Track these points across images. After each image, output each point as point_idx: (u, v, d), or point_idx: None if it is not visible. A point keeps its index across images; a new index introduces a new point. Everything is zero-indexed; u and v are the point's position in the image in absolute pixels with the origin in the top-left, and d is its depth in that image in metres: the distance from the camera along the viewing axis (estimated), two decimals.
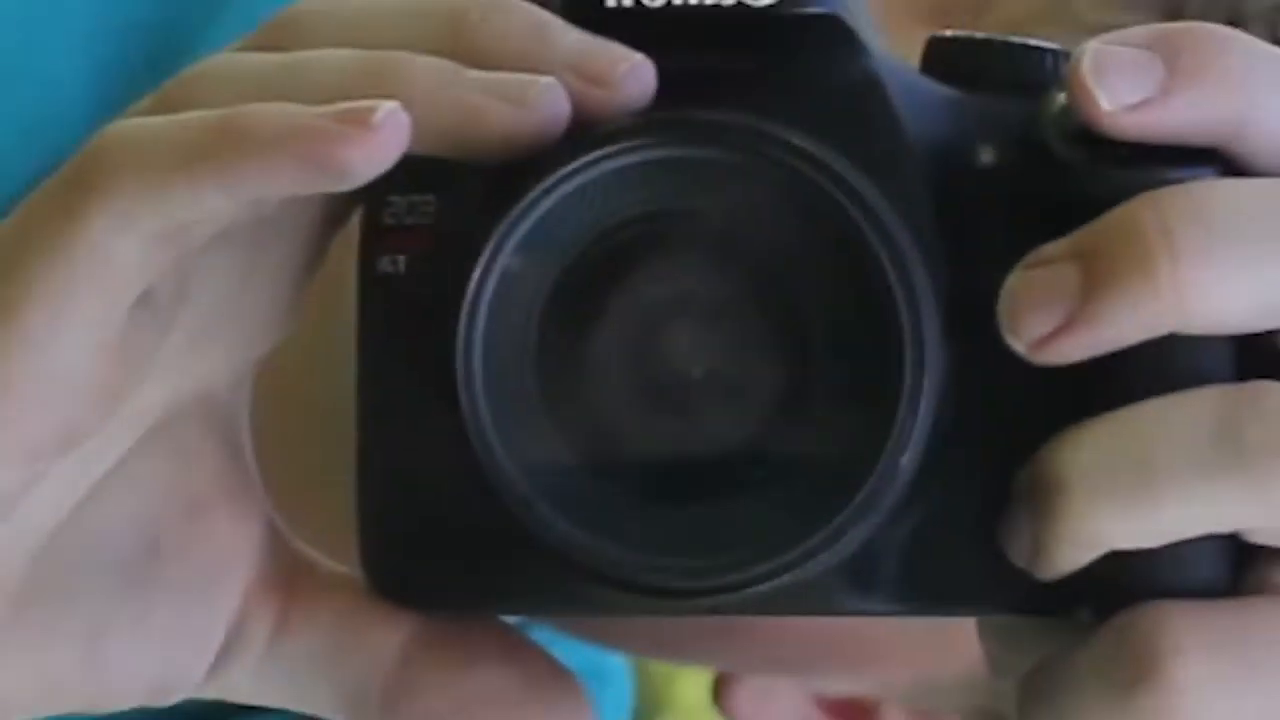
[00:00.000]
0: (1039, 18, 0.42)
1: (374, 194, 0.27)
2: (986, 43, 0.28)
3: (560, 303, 0.26)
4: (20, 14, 0.50)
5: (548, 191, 0.25)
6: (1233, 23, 0.34)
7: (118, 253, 0.25)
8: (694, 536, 0.26)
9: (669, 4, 0.26)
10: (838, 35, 0.26)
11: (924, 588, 0.27)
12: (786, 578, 0.25)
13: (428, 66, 0.25)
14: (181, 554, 0.29)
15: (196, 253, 0.26)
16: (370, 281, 0.28)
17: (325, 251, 0.29)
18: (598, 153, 0.25)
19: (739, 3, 0.26)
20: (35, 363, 0.26)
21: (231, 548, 0.29)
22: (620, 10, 0.26)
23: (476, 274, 0.25)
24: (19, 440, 0.26)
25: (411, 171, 0.25)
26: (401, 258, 0.27)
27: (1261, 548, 0.25)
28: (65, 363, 0.26)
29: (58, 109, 0.50)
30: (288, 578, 0.30)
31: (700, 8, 0.26)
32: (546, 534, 0.25)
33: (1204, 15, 0.37)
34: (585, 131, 0.25)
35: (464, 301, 0.25)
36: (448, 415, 0.25)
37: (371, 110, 0.23)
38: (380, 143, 0.23)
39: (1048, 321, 0.24)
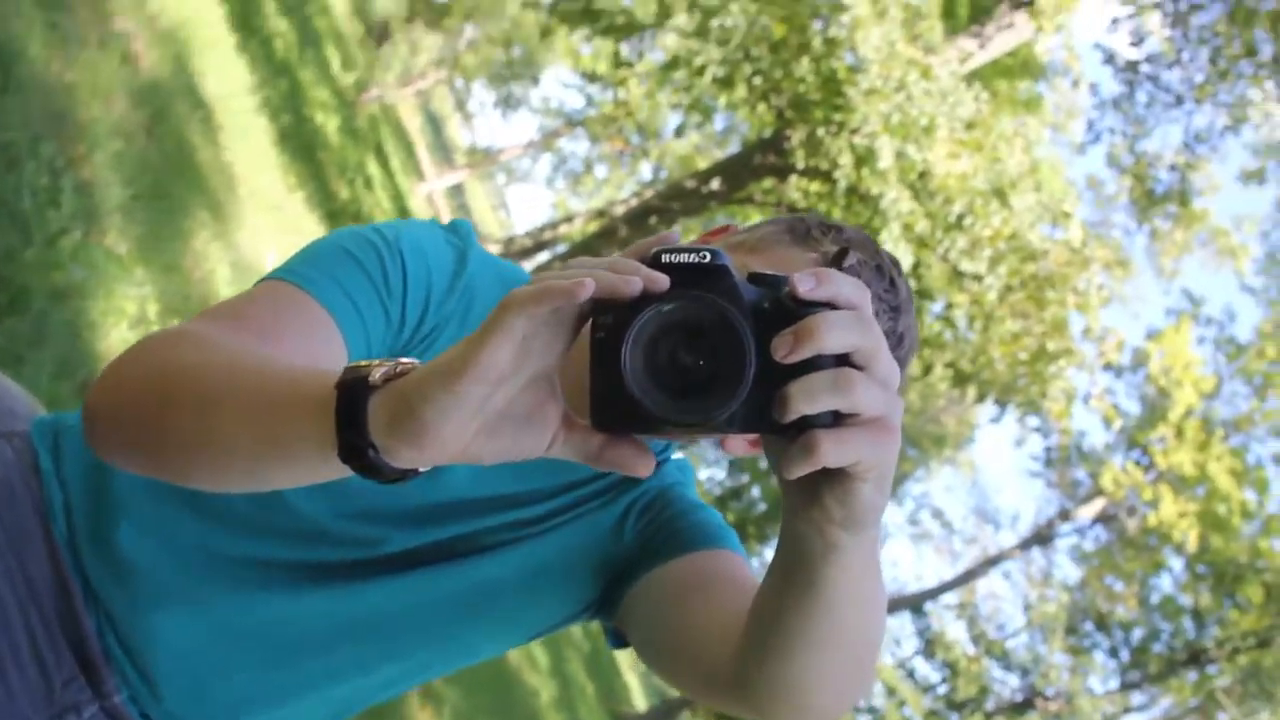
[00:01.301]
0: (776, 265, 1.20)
1: (595, 314, 0.81)
2: (763, 274, 0.82)
3: (646, 336, 0.79)
4: None
5: (645, 313, 0.79)
6: (844, 253, 1.24)
7: (525, 317, 0.78)
8: (693, 410, 0.79)
9: (676, 263, 0.80)
10: (723, 268, 0.80)
11: (752, 424, 0.79)
12: (721, 422, 0.79)
13: (609, 265, 0.81)
14: (536, 414, 0.84)
15: (544, 321, 0.80)
16: (595, 335, 0.80)
17: (578, 331, 0.83)
18: (657, 304, 0.79)
19: (698, 262, 0.80)
20: (488, 353, 0.78)
21: (552, 414, 0.85)
22: (663, 263, 0.80)
23: (627, 339, 0.79)
24: (480, 376, 0.79)
25: (603, 306, 0.80)
26: (601, 331, 0.80)
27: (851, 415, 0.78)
28: (500, 355, 0.79)
29: None
30: (567, 423, 0.85)
31: (686, 264, 0.80)
32: (645, 398, 0.79)
33: (829, 262, 1.23)
34: (651, 296, 0.79)
35: (625, 337, 0.79)
36: (618, 376, 0.79)
37: (629, 275, 0.79)
38: (622, 286, 0.78)
39: (791, 350, 0.77)
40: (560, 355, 0.84)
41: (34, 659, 1.27)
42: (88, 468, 1.33)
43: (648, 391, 0.78)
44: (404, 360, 0.88)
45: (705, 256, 0.79)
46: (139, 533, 1.29)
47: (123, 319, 4.59)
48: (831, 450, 0.76)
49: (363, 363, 0.88)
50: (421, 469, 0.87)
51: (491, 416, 0.82)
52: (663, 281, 0.78)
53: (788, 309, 0.78)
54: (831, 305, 0.78)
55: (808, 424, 0.77)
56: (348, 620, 1.31)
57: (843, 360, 0.77)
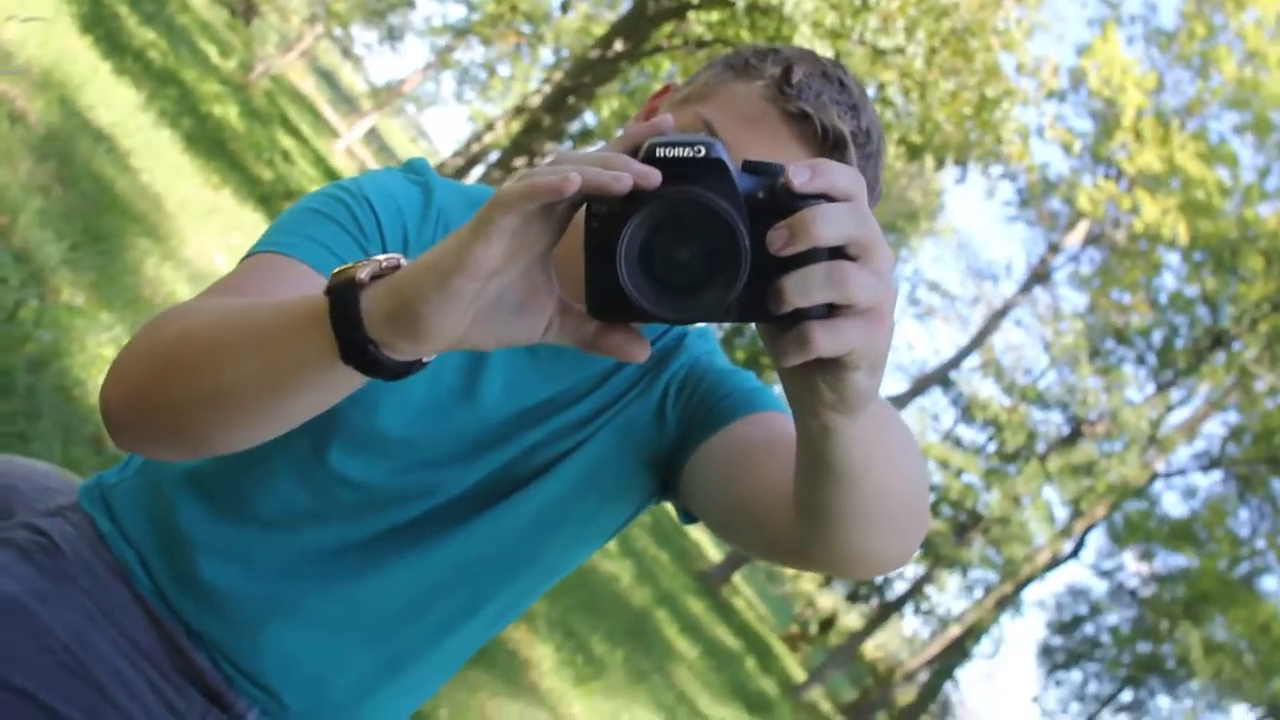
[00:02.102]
0: (727, 104, 1.24)
1: (589, 200, 0.81)
2: (760, 162, 0.81)
3: (643, 232, 0.79)
4: None
5: (639, 209, 0.79)
6: (790, 70, 1.23)
7: (513, 214, 0.80)
8: (688, 305, 0.80)
9: (670, 157, 0.80)
10: (718, 161, 0.79)
11: (747, 314, 0.80)
12: (716, 314, 0.80)
13: (599, 161, 0.81)
14: (531, 302, 0.87)
15: (534, 216, 0.81)
16: (590, 225, 0.81)
17: (569, 222, 0.85)
18: (651, 200, 0.79)
19: (693, 156, 0.79)
20: (479, 250, 0.81)
21: (546, 301, 0.87)
22: (657, 158, 0.80)
23: (626, 226, 0.79)
24: (474, 272, 0.81)
25: (596, 198, 0.80)
26: (595, 221, 0.81)
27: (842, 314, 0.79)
28: (492, 252, 0.81)
29: None
30: (563, 306, 0.88)
31: (680, 158, 0.79)
32: (640, 297, 0.79)
33: (777, 81, 1.22)
34: (644, 191, 0.79)
35: (620, 234, 0.79)
36: (612, 267, 0.79)
37: (619, 170, 0.79)
38: (613, 183, 0.79)
39: (785, 243, 0.77)
40: (552, 244, 0.85)
41: (165, 709, 1.32)
42: (148, 517, 1.35)
43: (642, 287, 0.79)
44: (388, 256, 0.91)
45: (700, 150, 0.79)
46: (216, 561, 1.32)
47: (105, 365, 4.60)
48: (825, 341, 0.77)
49: (347, 265, 0.90)
50: (425, 359, 0.90)
51: (486, 305, 0.84)
52: (654, 177, 0.78)
53: (783, 200, 0.78)
54: (826, 196, 0.78)
55: (802, 315, 0.77)
56: (435, 576, 1.34)
57: (837, 252, 0.77)
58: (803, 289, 0.77)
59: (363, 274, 0.89)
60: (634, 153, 0.82)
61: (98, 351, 4.67)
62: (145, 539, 1.35)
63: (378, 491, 1.30)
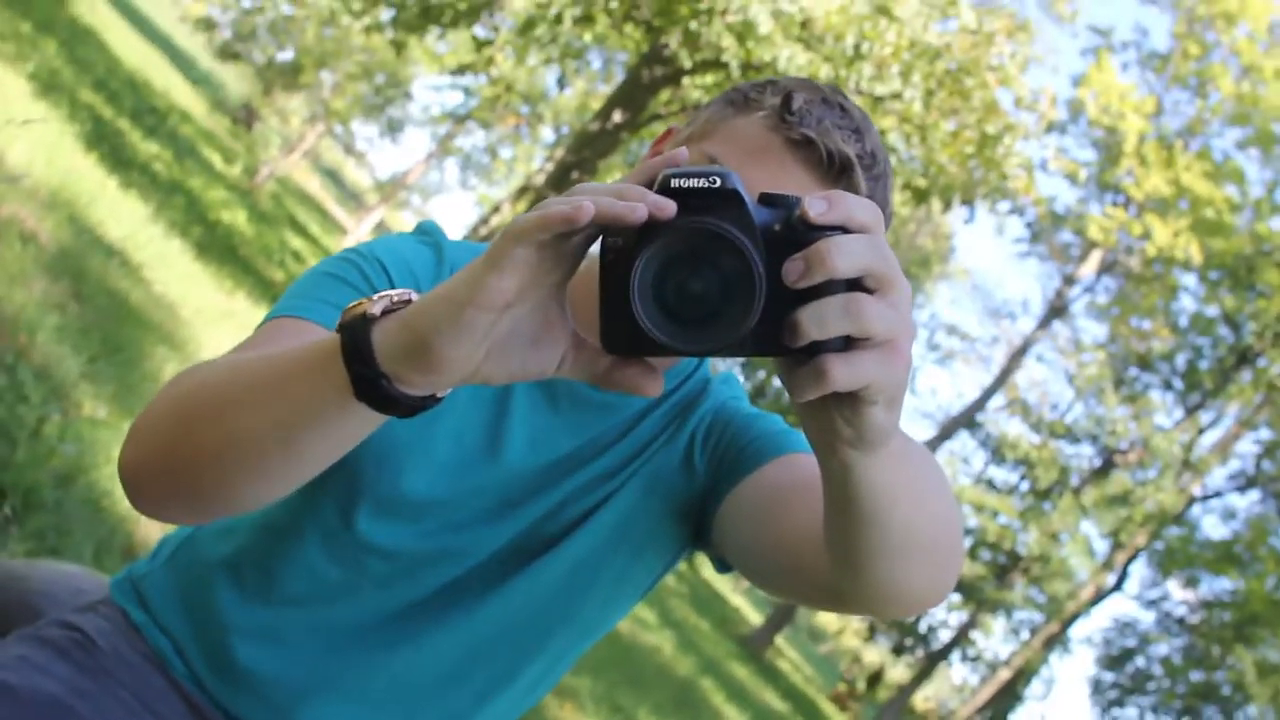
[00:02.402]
0: (729, 141, 1.23)
1: (603, 236, 0.80)
2: (776, 195, 0.80)
3: (657, 264, 0.78)
4: None
5: (654, 240, 0.78)
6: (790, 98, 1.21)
7: (526, 244, 0.80)
8: (702, 339, 0.79)
9: (686, 188, 0.78)
10: (734, 192, 0.78)
11: (762, 348, 0.79)
12: (731, 348, 0.79)
13: (614, 192, 0.80)
14: (545, 336, 0.86)
15: (548, 247, 0.81)
16: (605, 258, 0.80)
17: (584, 254, 0.85)
18: (666, 232, 0.78)
19: (708, 187, 0.78)
20: (492, 281, 0.80)
21: (560, 334, 0.86)
22: (672, 189, 0.78)
23: (639, 261, 0.78)
24: (487, 304, 0.80)
25: (611, 230, 0.80)
26: (610, 255, 0.80)
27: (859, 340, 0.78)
28: (505, 283, 0.80)
29: None
30: (576, 341, 0.87)
31: (696, 189, 0.78)
32: (654, 329, 0.78)
33: (779, 110, 1.21)
34: (658, 223, 0.78)
35: (634, 266, 0.78)
36: (626, 301, 0.78)
37: (634, 201, 0.78)
38: (628, 214, 0.78)
39: (801, 275, 0.76)
40: (567, 277, 0.85)
41: None
42: (181, 604, 1.34)
43: (656, 320, 0.78)
44: (400, 291, 0.90)
45: (715, 181, 0.78)
46: (251, 643, 1.30)
47: None
48: (842, 374, 0.76)
49: (358, 301, 0.89)
50: (439, 393, 0.89)
51: (499, 339, 0.83)
52: (669, 208, 0.77)
53: (799, 232, 0.77)
54: (843, 228, 0.77)
55: (818, 348, 0.76)
56: (473, 642, 1.32)
57: (854, 284, 0.76)
58: (819, 321, 0.76)
59: (375, 309, 0.88)
60: (649, 185, 0.81)
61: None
62: (179, 626, 1.34)
63: (407, 558, 1.29)
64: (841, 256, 0.75)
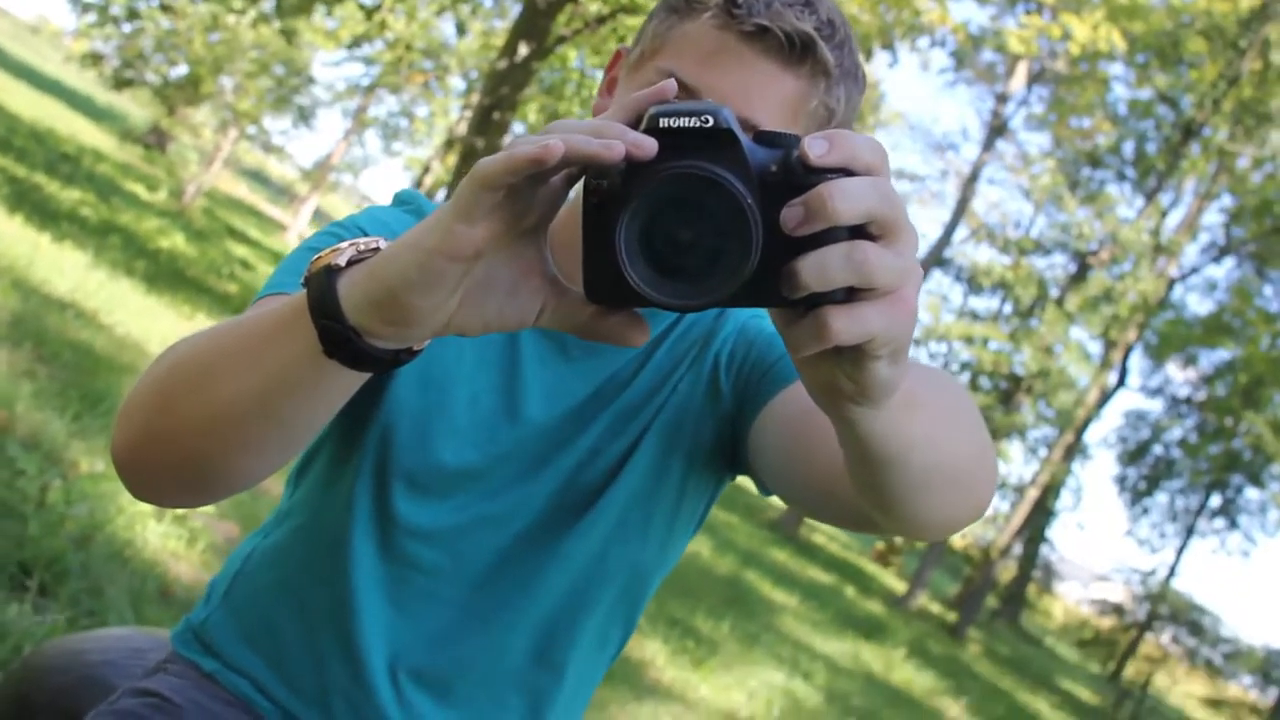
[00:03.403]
0: (683, 50, 1.18)
1: (587, 175, 0.74)
2: (774, 132, 0.74)
3: (645, 212, 0.72)
4: None
5: (640, 185, 0.72)
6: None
7: (493, 189, 0.74)
8: (694, 291, 0.73)
9: (675, 127, 0.73)
10: (727, 132, 0.72)
11: (759, 299, 0.74)
12: (725, 299, 0.73)
13: (591, 129, 0.74)
14: (523, 284, 0.82)
15: (520, 190, 0.76)
16: (589, 201, 0.74)
17: (564, 197, 0.81)
18: (653, 176, 0.72)
19: (699, 127, 0.72)
20: (460, 228, 0.75)
21: (539, 282, 0.83)
22: (660, 129, 0.73)
23: (625, 204, 0.72)
24: (455, 252, 0.75)
25: (595, 167, 0.73)
26: (594, 198, 0.74)
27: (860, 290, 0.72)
28: (475, 231, 0.75)
29: None
30: (557, 289, 0.83)
31: (686, 129, 0.73)
32: (640, 281, 0.73)
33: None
34: (644, 165, 0.72)
35: (621, 210, 0.72)
36: (611, 249, 0.73)
37: (612, 139, 0.73)
38: (603, 152, 0.72)
39: (800, 222, 0.70)
40: (544, 221, 0.81)
41: None
42: (247, 641, 1.33)
43: (642, 271, 0.73)
44: (367, 239, 0.86)
45: (708, 120, 0.72)
46: (330, 661, 1.29)
47: (147, 518, 4.58)
48: (844, 328, 0.70)
49: (322, 252, 0.86)
50: (416, 347, 0.85)
51: (474, 287, 0.80)
52: (649, 146, 0.72)
53: (798, 175, 0.71)
54: (846, 170, 0.71)
55: (819, 299, 0.71)
56: (540, 614, 1.31)
57: (857, 231, 0.71)
58: (819, 271, 0.70)
59: (340, 259, 0.84)
60: (635, 123, 0.76)
61: (134, 509, 4.64)
62: (253, 664, 1.32)
63: (449, 534, 1.28)
64: (844, 201, 0.69)
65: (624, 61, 1.28)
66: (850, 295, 0.71)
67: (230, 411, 0.92)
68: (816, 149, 0.71)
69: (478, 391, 1.27)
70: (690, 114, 0.73)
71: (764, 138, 0.74)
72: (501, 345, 1.29)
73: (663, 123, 0.73)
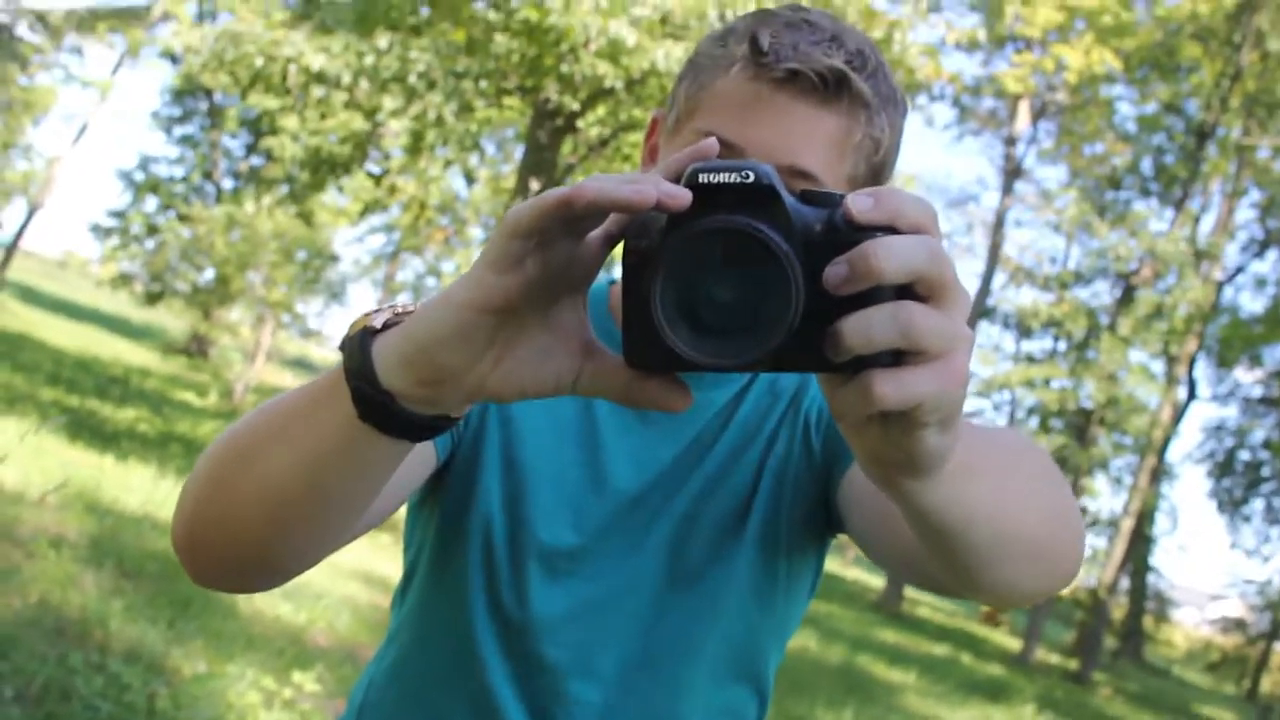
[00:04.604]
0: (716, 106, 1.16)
1: (627, 235, 0.73)
2: (819, 191, 0.71)
3: (682, 269, 0.69)
4: None
5: (678, 243, 0.69)
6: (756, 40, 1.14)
7: (520, 237, 0.71)
8: (732, 353, 0.69)
9: (715, 183, 0.69)
10: (769, 189, 0.69)
11: (801, 364, 0.70)
12: (761, 362, 0.69)
13: (627, 180, 0.69)
14: (559, 346, 0.78)
15: (553, 242, 0.73)
16: (627, 261, 0.72)
17: (604, 255, 0.77)
18: (691, 233, 0.68)
19: (740, 183, 0.68)
20: (489, 278, 0.73)
21: (575, 347, 0.78)
22: (699, 185, 0.69)
23: (662, 261, 0.69)
24: (485, 304, 0.73)
25: (635, 225, 0.72)
26: (633, 257, 0.71)
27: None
28: (505, 281, 0.73)
29: None
30: (595, 351, 0.79)
31: (726, 185, 0.69)
32: (677, 341, 0.69)
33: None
34: (686, 220, 0.68)
35: (657, 268, 0.69)
36: (647, 308, 0.69)
37: (651, 188, 0.68)
38: (635, 199, 0.68)
39: (844, 281, 0.66)
40: (584, 280, 0.77)
41: None
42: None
43: (682, 333, 0.69)
44: (405, 303, 0.84)
45: (748, 176, 0.69)
46: None
47: (258, 709, 4.54)
48: (889, 393, 0.66)
49: (360, 316, 0.83)
50: (454, 414, 0.81)
51: (507, 349, 0.76)
52: (682, 196, 0.68)
53: (843, 233, 0.68)
54: (892, 227, 0.68)
55: (864, 363, 0.67)
56: (681, 693, 1.27)
57: (904, 291, 0.67)
58: (864, 333, 0.66)
59: (376, 321, 0.81)
60: (677, 181, 0.72)
61: (242, 701, 4.61)
62: None
63: (562, 625, 1.25)
64: (889, 259, 0.65)
65: (661, 127, 1.26)
66: (897, 359, 0.67)
67: (275, 488, 0.89)
68: (861, 206, 0.68)
69: (562, 468, 1.24)
70: (731, 170, 0.69)
71: (809, 197, 0.71)
72: (577, 417, 1.26)
73: (702, 179, 0.69)
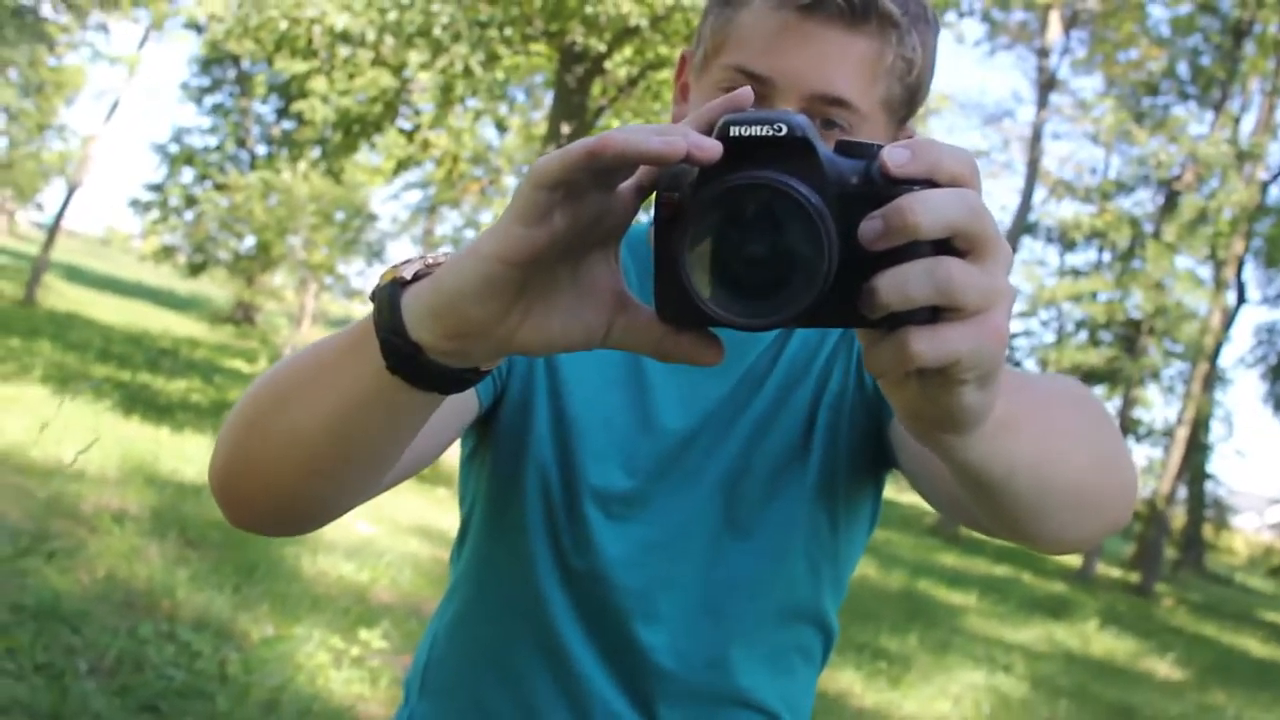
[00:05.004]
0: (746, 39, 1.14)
1: (658, 187, 0.71)
2: (856, 142, 0.69)
3: (713, 225, 0.67)
4: None
5: (709, 198, 0.66)
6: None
7: (547, 187, 0.69)
8: (764, 310, 0.67)
9: (747, 136, 0.67)
10: (803, 140, 0.66)
11: (836, 319, 0.69)
12: (794, 319, 0.67)
13: (655, 130, 0.67)
14: (589, 299, 0.76)
15: (582, 193, 0.71)
16: (659, 214, 0.70)
17: (636, 206, 0.75)
18: (727, 179, 0.66)
19: (773, 136, 0.66)
20: (517, 229, 0.70)
21: (607, 299, 0.76)
22: (731, 138, 0.67)
23: (693, 217, 0.67)
24: (512, 256, 0.70)
25: (666, 177, 0.70)
26: (664, 210, 0.70)
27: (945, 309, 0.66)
28: (534, 232, 0.70)
29: None
30: (626, 304, 0.77)
31: (759, 137, 0.67)
32: (708, 298, 0.67)
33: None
34: (718, 174, 0.67)
35: (689, 223, 0.67)
36: (678, 263, 0.67)
37: (681, 139, 0.66)
38: (664, 149, 0.66)
39: (879, 236, 0.65)
40: (616, 232, 0.76)
41: None
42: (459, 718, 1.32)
43: (712, 290, 0.68)
44: (436, 254, 0.83)
45: (781, 129, 0.67)
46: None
47: (328, 669, 4.61)
48: (925, 350, 0.65)
49: (392, 266, 0.83)
50: (483, 367, 0.81)
51: (536, 301, 0.75)
52: (712, 148, 0.66)
53: (879, 186, 0.67)
54: (930, 181, 0.67)
55: (900, 319, 0.66)
56: (749, 631, 1.27)
57: (942, 246, 0.66)
58: (899, 289, 0.65)
59: (406, 272, 0.80)
60: (708, 133, 0.70)
61: (311, 661, 4.68)
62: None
63: (624, 568, 1.25)
64: (926, 213, 0.64)
65: (690, 64, 1.25)
66: (934, 315, 0.66)
67: (306, 436, 0.90)
68: (897, 158, 0.66)
69: (611, 412, 1.24)
70: (764, 122, 0.68)
71: (845, 147, 0.69)
72: (624, 359, 1.25)
73: (734, 131, 0.68)
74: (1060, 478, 0.87)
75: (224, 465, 0.98)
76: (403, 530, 8.73)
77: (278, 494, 0.96)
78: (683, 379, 1.26)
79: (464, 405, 1.15)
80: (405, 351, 0.78)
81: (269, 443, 0.93)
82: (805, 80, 1.11)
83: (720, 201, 0.67)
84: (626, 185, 0.74)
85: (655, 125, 0.70)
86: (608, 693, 1.25)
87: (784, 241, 0.67)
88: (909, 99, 1.19)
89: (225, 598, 5.24)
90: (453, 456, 13.45)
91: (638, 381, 1.26)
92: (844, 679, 7.51)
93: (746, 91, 0.73)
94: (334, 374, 0.87)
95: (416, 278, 0.80)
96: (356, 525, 8.20)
